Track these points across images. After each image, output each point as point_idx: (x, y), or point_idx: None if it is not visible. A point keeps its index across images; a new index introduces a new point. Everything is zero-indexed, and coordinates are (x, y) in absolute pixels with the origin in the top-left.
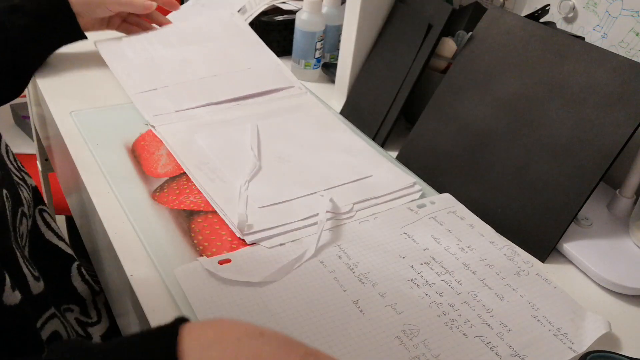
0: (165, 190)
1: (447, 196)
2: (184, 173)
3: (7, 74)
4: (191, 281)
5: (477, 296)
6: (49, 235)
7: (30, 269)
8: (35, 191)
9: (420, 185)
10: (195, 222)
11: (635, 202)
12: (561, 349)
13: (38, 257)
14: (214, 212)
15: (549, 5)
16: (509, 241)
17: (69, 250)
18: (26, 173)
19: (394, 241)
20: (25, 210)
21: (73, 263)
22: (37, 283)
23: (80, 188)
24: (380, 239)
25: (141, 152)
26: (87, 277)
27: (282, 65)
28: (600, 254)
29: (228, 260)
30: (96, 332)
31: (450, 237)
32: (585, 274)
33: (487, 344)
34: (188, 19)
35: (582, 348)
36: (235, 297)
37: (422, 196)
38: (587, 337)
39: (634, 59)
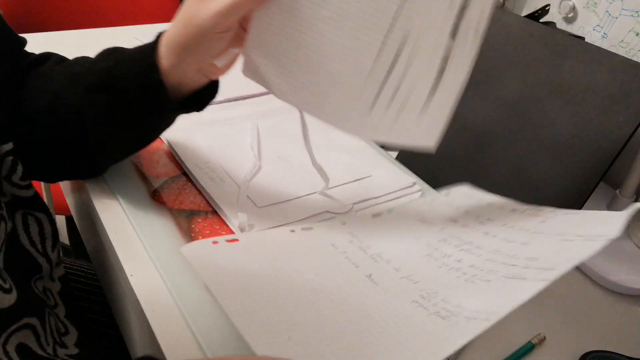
0: (165, 190)
1: (464, 187)
2: (184, 173)
3: (83, 156)
4: (200, 257)
5: (500, 251)
6: (23, 238)
7: (0, 280)
8: (18, 198)
9: (420, 185)
10: (195, 222)
11: (635, 202)
12: (596, 246)
13: (14, 264)
14: (214, 212)
15: (549, 5)
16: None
17: (40, 259)
18: (12, 184)
19: (407, 226)
20: (4, 212)
21: (34, 275)
22: (5, 296)
23: (80, 188)
24: (392, 225)
25: (141, 152)
26: (39, 291)
27: None
28: (600, 254)
29: (236, 240)
30: (69, 341)
31: (468, 216)
32: (585, 274)
33: (515, 277)
34: None
35: (616, 232)
36: (247, 267)
37: (422, 196)
38: (617, 223)
39: (634, 59)
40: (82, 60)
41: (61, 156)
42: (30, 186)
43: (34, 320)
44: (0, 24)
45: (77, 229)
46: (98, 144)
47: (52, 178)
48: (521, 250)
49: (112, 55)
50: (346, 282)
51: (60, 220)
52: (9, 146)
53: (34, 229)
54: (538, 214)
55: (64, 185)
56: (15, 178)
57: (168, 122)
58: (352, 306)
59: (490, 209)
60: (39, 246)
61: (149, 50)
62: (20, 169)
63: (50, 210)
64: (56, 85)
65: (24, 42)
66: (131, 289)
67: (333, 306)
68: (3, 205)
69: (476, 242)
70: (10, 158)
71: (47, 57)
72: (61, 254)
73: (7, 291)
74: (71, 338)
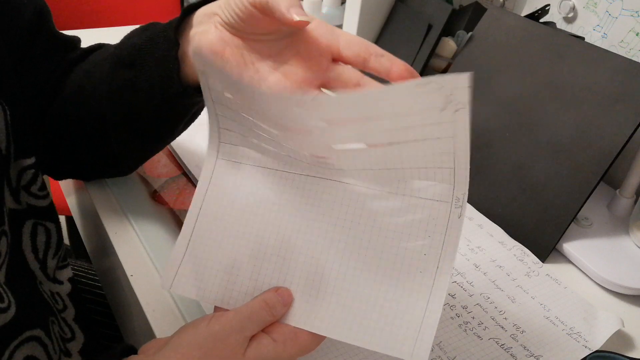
0: (165, 190)
1: None
2: (184, 173)
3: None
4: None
5: (489, 298)
6: (26, 246)
7: None
8: (32, 207)
9: None
10: None
11: (635, 202)
12: (575, 347)
13: (16, 276)
14: None
15: (549, 5)
16: (517, 242)
17: (33, 266)
18: (30, 194)
19: None
20: (6, 227)
21: (33, 282)
22: (1, 315)
23: (80, 188)
24: None
25: None
26: (47, 296)
27: None
28: (600, 254)
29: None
30: (74, 348)
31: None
32: (585, 274)
33: (502, 346)
34: None
35: (597, 345)
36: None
37: None
38: (601, 335)
39: (634, 59)
40: (120, 42)
41: (82, 146)
42: (47, 195)
43: (37, 332)
44: (46, 29)
45: (77, 229)
46: (117, 129)
47: (68, 173)
48: (509, 308)
49: (147, 31)
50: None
51: (60, 220)
52: (31, 160)
53: (40, 238)
54: (523, 259)
55: (64, 186)
56: (34, 189)
57: (187, 110)
58: None
59: (480, 235)
60: (40, 254)
61: (174, 23)
62: (40, 179)
63: (49, 226)
64: (89, 64)
65: (71, 44)
66: (131, 289)
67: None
68: (6, 218)
69: (468, 276)
70: (32, 171)
71: (99, 47)
72: (61, 259)
73: (3, 310)
74: (76, 344)
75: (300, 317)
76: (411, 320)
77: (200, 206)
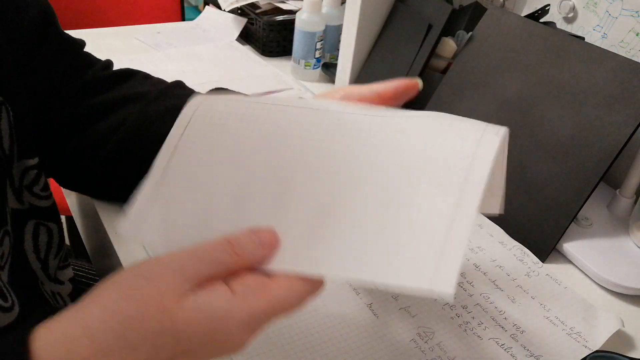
0: None
1: None
2: None
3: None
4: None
5: (489, 298)
6: (28, 246)
7: (1, 300)
8: (35, 208)
9: None
10: None
11: (635, 202)
12: (575, 347)
13: (18, 276)
14: None
15: (549, 5)
16: (517, 242)
17: (34, 266)
18: (32, 194)
19: None
20: (9, 228)
21: (35, 282)
22: (5, 315)
23: None
24: None
25: None
26: (48, 296)
27: (281, 74)
28: (600, 254)
29: None
30: None
31: None
32: (585, 274)
33: (502, 346)
34: (190, 46)
35: (597, 345)
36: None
37: None
38: (601, 335)
39: (634, 59)
40: (181, 90)
41: (131, 179)
42: (50, 196)
43: None
44: (52, 28)
45: (77, 229)
46: None
47: (111, 197)
48: (509, 308)
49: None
50: (347, 311)
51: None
52: (34, 161)
53: (42, 238)
54: (523, 259)
55: None
56: (37, 189)
57: None
58: (352, 339)
59: (480, 235)
60: (42, 254)
61: None
62: (43, 180)
63: (51, 226)
64: (149, 110)
65: (78, 46)
66: None
67: (333, 335)
68: (9, 218)
69: (468, 276)
70: (35, 171)
71: (131, 73)
72: (62, 259)
73: (7, 310)
74: None
75: (290, 259)
76: (431, 241)
77: (176, 145)
